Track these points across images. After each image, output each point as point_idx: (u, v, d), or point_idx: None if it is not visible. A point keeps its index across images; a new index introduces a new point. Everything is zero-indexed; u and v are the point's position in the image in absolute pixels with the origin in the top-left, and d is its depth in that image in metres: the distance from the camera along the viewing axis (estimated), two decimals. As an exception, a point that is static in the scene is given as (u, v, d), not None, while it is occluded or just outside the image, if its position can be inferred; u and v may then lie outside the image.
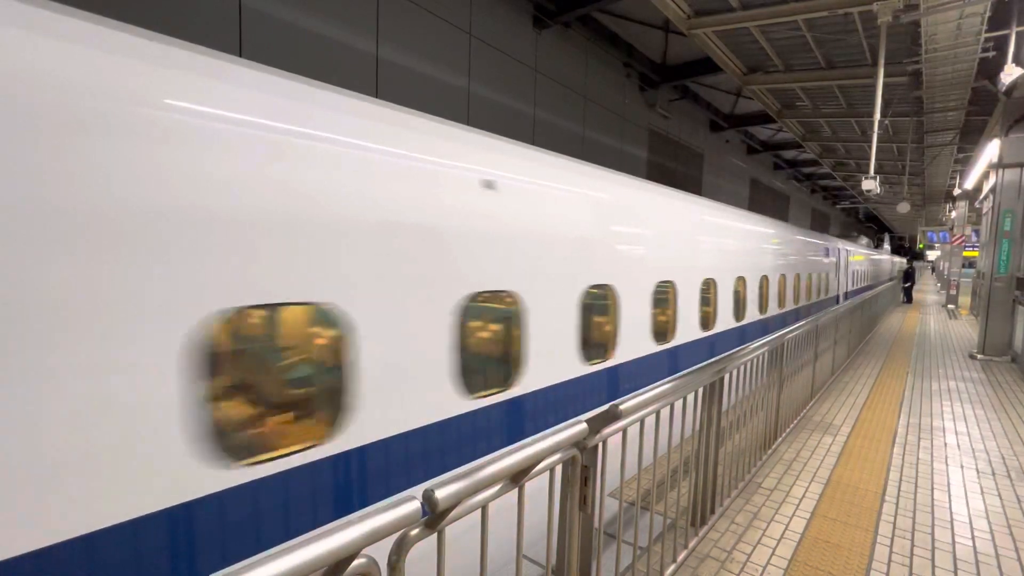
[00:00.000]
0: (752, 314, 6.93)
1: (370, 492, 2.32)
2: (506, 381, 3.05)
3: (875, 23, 6.26)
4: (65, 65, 1.53)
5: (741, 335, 6.48)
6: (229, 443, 1.85)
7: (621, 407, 1.97)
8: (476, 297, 2.82)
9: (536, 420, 3.23)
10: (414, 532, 1.21)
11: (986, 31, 5.99)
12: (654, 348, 4.54)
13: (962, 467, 3.98)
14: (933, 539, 2.94)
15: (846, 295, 13.84)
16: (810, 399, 5.53)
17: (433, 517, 1.28)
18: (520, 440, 2.22)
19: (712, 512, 3.04)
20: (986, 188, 10.54)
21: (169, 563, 1.69)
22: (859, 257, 17.19)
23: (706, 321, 5.56)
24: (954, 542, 2.92)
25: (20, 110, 1.43)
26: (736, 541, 2.86)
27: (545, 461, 1.66)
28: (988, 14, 5.63)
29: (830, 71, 8.94)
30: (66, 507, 1.49)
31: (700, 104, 13.31)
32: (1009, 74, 6.08)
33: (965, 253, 18.91)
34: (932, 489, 3.58)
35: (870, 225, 47.25)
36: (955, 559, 2.75)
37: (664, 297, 4.72)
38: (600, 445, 1.97)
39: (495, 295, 2.96)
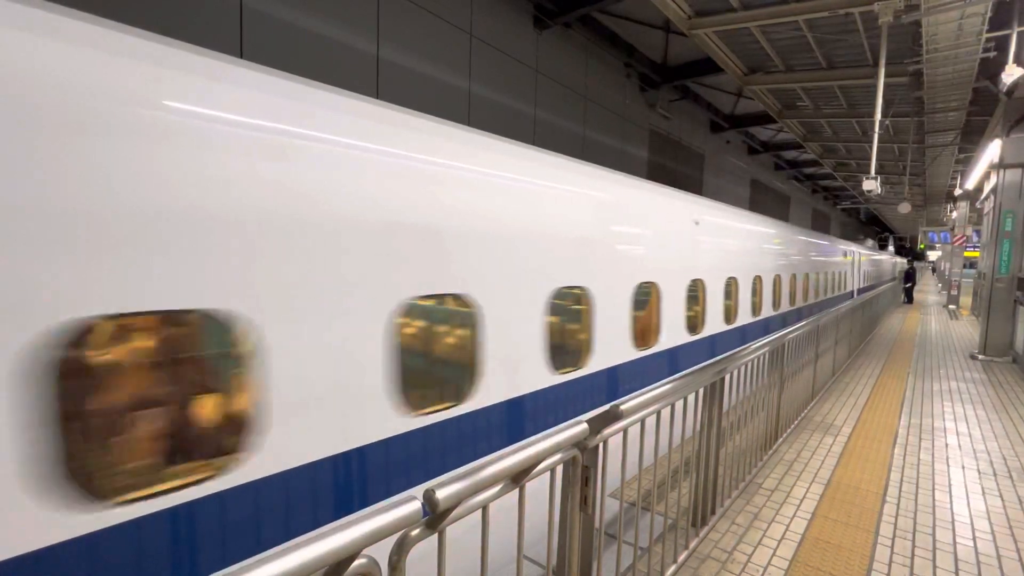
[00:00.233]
0: (799, 302, 9.78)
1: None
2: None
3: (876, 23, 6.26)
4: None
5: (798, 314, 9.38)
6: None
7: (622, 407, 1.97)
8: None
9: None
10: (415, 532, 1.21)
11: (987, 31, 5.99)
12: (753, 319, 7.11)
13: (963, 468, 3.98)
14: (934, 540, 2.94)
15: (859, 290, 16.45)
16: (811, 399, 5.52)
17: (434, 517, 1.28)
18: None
19: (713, 513, 3.03)
20: (987, 188, 10.52)
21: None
22: (869, 258, 20.24)
23: (776, 304, 8.30)
24: (955, 543, 2.91)
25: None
26: (737, 542, 2.85)
27: (546, 461, 1.66)
28: (989, 14, 5.63)
29: (831, 71, 8.95)
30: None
31: (701, 104, 13.31)
32: (1010, 74, 6.07)
33: (966, 253, 18.89)
34: (933, 490, 3.58)
35: (877, 229, 47.52)
36: (956, 560, 2.75)
37: (756, 287, 7.31)
38: (601, 445, 1.97)
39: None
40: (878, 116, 7.48)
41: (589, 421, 1.87)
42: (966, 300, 18.54)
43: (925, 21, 5.73)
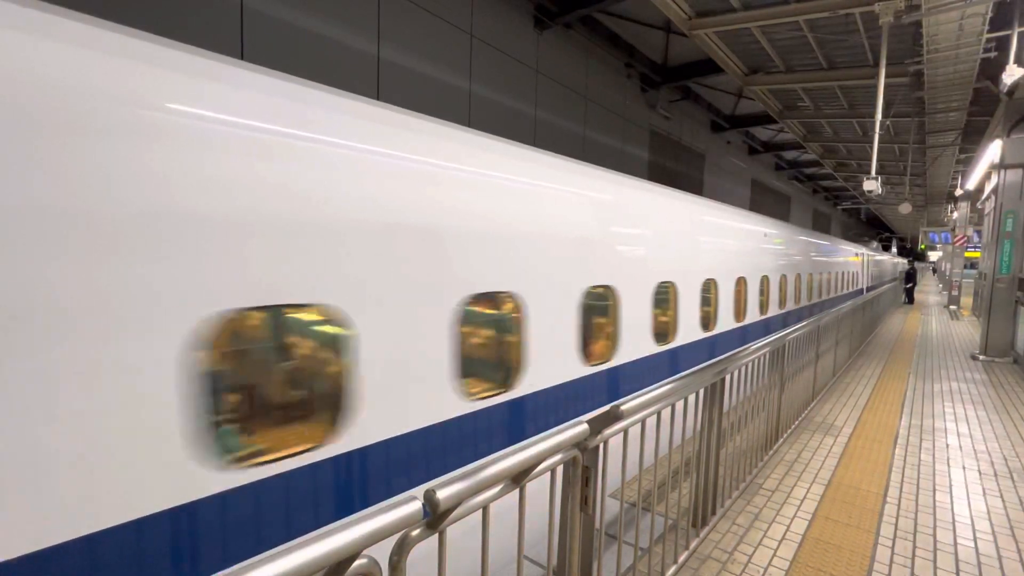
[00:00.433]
0: (825, 295, 11.87)
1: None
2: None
3: (877, 24, 6.26)
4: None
5: (822, 305, 11.23)
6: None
7: (622, 407, 1.97)
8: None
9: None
10: (415, 532, 1.21)
11: (988, 31, 5.99)
12: (795, 306, 9.20)
13: (964, 468, 3.97)
14: (935, 540, 2.93)
15: (868, 288, 18.43)
16: (811, 400, 5.52)
17: (434, 518, 1.28)
18: None
19: (713, 513, 3.03)
20: (988, 189, 10.52)
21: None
22: (875, 259, 22.59)
23: (809, 295, 10.32)
24: (956, 543, 2.91)
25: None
26: (737, 542, 2.85)
27: (546, 462, 1.66)
28: (990, 14, 5.63)
29: (831, 72, 8.94)
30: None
31: (701, 105, 13.31)
32: (1011, 75, 6.06)
33: (967, 254, 18.88)
34: (934, 490, 3.57)
35: (881, 232, 47.92)
36: (957, 560, 2.75)
37: (797, 283, 9.31)
38: (601, 446, 1.97)
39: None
40: (879, 116, 7.47)
41: (589, 422, 1.87)
42: (967, 300, 18.53)
43: (926, 21, 5.73)
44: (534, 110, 8.65)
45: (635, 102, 11.27)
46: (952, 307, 16.99)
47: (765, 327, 7.51)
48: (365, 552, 1.07)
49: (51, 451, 1.48)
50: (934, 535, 2.99)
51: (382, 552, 1.14)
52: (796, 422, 4.88)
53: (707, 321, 5.66)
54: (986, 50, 6.56)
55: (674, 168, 13.14)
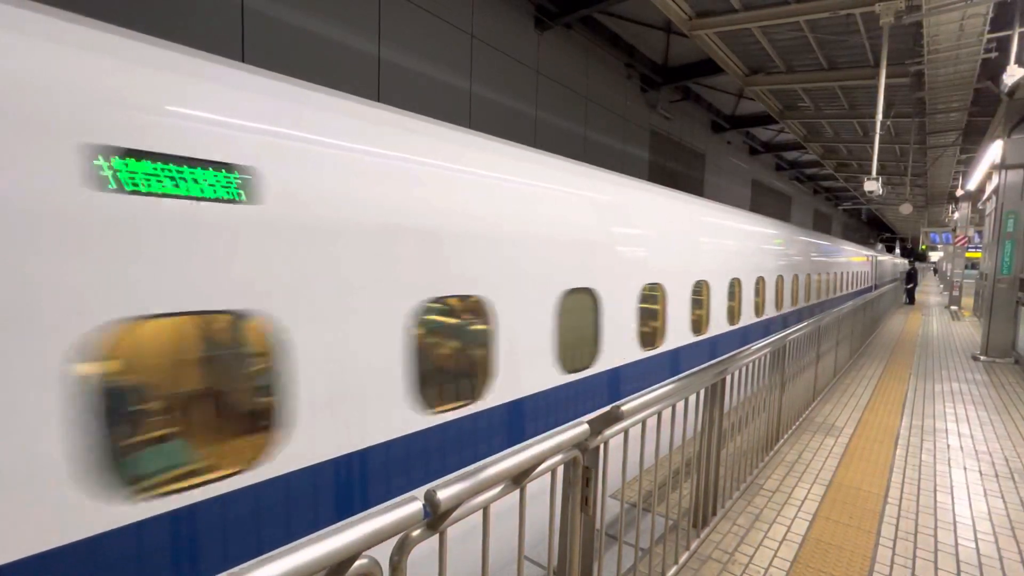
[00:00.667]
0: (847, 290, 14.74)
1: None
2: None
3: (877, 24, 6.25)
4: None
5: (845, 298, 13.64)
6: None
7: (623, 408, 1.97)
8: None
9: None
10: (416, 533, 1.21)
11: (988, 32, 5.98)
12: (827, 297, 11.89)
13: (965, 469, 3.97)
14: (936, 541, 2.93)
15: (876, 285, 21.10)
16: (812, 400, 5.52)
17: (435, 518, 1.28)
18: None
19: (714, 513, 3.03)
20: (988, 189, 10.51)
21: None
22: (881, 259, 25.90)
23: (835, 291, 12.95)
24: (957, 544, 2.91)
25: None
26: (738, 543, 2.85)
27: (547, 462, 1.66)
28: (990, 15, 5.62)
29: (832, 72, 8.93)
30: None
31: (702, 105, 13.31)
32: (1011, 75, 6.06)
33: (968, 254, 18.85)
34: (935, 491, 3.57)
35: (880, 233, 48.18)
36: (958, 561, 2.74)
37: (828, 280, 12.08)
38: (602, 446, 1.97)
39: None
40: (879, 117, 7.46)
41: (590, 422, 1.87)
42: (968, 301, 18.50)
43: (926, 22, 5.73)
44: (534, 110, 8.65)
45: (635, 102, 11.27)
46: (953, 307, 16.98)
47: (810, 311, 10.33)
48: (366, 552, 1.07)
49: None
50: (935, 536, 2.99)
51: (383, 553, 1.14)
52: (797, 422, 4.87)
53: (772, 305, 8.03)
54: (987, 50, 6.55)
55: (675, 168, 13.14)
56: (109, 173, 1.59)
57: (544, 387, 3.33)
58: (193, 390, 1.87)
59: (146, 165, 1.66)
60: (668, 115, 12.21)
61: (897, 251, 49.16)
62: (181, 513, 1.74)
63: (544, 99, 8.79)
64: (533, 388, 3.24)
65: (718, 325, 5.98)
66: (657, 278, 4.57)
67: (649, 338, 4.50)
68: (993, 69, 7.28)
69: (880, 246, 35.93)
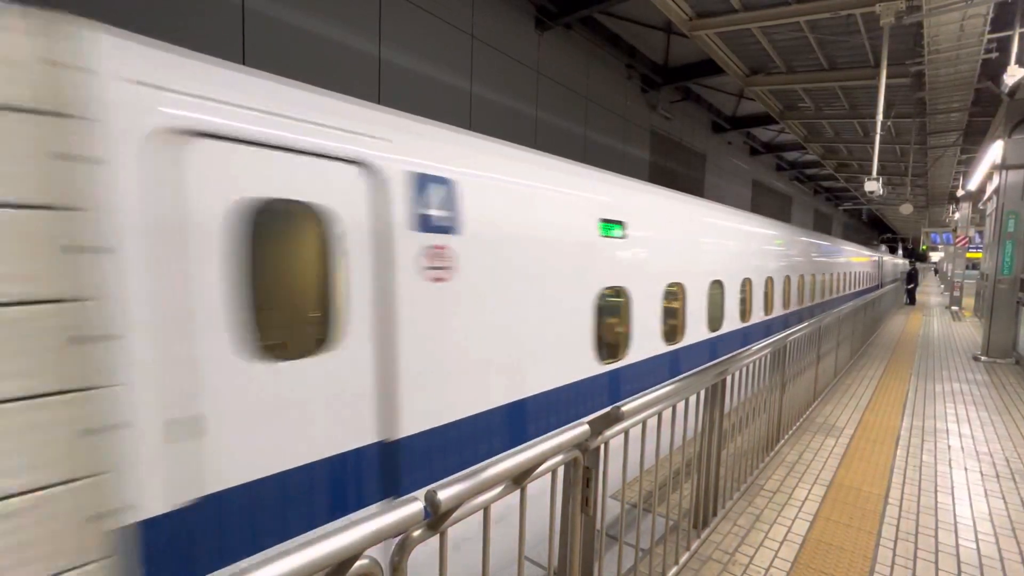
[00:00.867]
0: (862, 286, 17.51)
1: None
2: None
3: (878, 24, 6.25)
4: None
5: (862, 292, 16.15)
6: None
7: (623, 408, 1.97)
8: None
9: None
10: (416, 533, 1.21)
11: (989, 32, 5.98)
12: (848, 291, 14.81)
13: (966, 469, 3.97)
14: (936, 542, 2.93)
15: (882, 284, 23.08)
16: (813, 401, 5.52)
17: (435, 518, 1.28)
18: None
19: (714, 514, 3.03)
20: (989, 189, 10.51)
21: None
22: (886, 260, 28.36)
23: (854, 286, 15.78)
24: (958, 545, 2.91)
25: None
26: (738, 543, 2.85)
27: (547, 463, 1.66)
28: (991, 15, 5.62)
29: (832, 72, 8.93)
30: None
31: (702, 105, 13.31)
32: (1012, 75, 6.06)
33: (969, 255, 18.84)
34: (935, 491, 3.57)
35: (882, 234, 48.47)
36: (959, 562, 2.74)
37: (847, 277, 15.03)
38: (602, 447, 1.97)
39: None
40: (879, 117, 7.46)
41: (591, 422, 1.87)
42: (968, 301, 18.48)
43: (927, 22, 5.73)
44: (535, 111, 8.66)
45: (636, 103, 11.27)
46: (954, 308, 16.96)
47: (834, 303, 12.06)
48: (366, 552, 1.07)
49: None
50: (936, 536, 2.99)
51: (383, 553, 1.14)
52: (797, 423, 4.87)
53: (810, 296, 10.39)
54: (987, 51, 6.55)
55: (675, 169, 13.13)
56: (601, 229, 3.87)
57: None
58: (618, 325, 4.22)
59: (606, 226, 3.93)
60: (668, 115, 12.21)
61: (900, 252, 50.06)
62: (616, 369, 4.08)
63: (544, 99, 8.79)
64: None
65: (781, 307, 8.49)
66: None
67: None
68: (994, 69, 7.28)
69: (883, 247, 37.54)
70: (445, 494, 1.25)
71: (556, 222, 3.42)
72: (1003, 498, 3.50)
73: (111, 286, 1.52)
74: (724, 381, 2.89)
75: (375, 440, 2.26)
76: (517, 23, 8.06)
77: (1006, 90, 6.67)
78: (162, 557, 1.65)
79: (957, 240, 16.92)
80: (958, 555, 2.81)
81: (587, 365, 3.73)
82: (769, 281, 7.83)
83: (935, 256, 34.62)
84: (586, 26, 8.90)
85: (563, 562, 1.93)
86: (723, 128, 14.61)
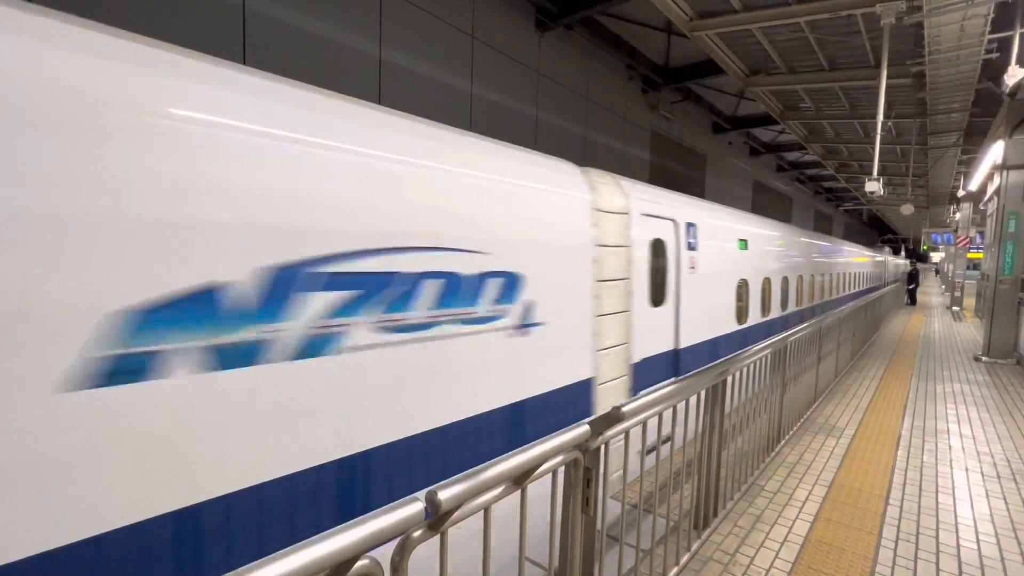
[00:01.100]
0: (873, 283, 21.11)
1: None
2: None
3: (878, 25, 6.25)
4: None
5: (873, 288, 18.55)
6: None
7: (624, 409, 1.97)
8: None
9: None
10: (416, 534, 1.21)
11: (989, 32, 5.98)
12: (865, 287, 18.65)
13: (967, 470, 3.96)
14: (937, 543, 2.93)
15: (887, 282, 24.93)
16: (814, 401, 5.51)
17: (436, 519, 1.28)
18: None
19: (715, 515, 3.03)
20: (990, 190, 10.50)
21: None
22: (891, 260, 32.16)
23: (868, 282, 19.89)
24: (959, 546, 2.90)
25: None
26: (739, 544, 2.85)
27: (548, 463, 1.66)
28: (991, 15, 5.62)
29: (833, 73, 8.93)
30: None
31: (703, 106, 13.31)
32: (1013, 76, 6.05)
33: (970, 255, 18.82)
34: (936, 492, 3.56)
35: (883, 234, 48.77)
36: (960, 563, 2.74)
37: (864, 274, 19.14)
38: (603, 447, 1.97)
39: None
40: (880, 117, 7.45)
41: (591, 423, 1.87)
42: (969, 302, 18.47)
43: (927, 23, 5.73)
44: (535, 111, 8.66)
45: (636, 103, 11.27)
46: (955, 308, 16.94)
47: (864, 293, 14.95)
48: (367, 553, 1.07)
49: None
50: (937, 537, 2.98)
51: (384, 554, 1.14)
52: (798, 423, 4.87)
53: (840, 287, 13.82)
54: (988, 51, 6.54)
55: (676, 169, 13.13)
56: (740, 245, 6.89)
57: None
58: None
59: (741, 243, 6.77)
60: (669, 116, 12.21)
61: (903, 253, 51.43)
62: (747, 329, 6.91)
63: (545, 100, 8.79)
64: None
65: (820, 297, 11.26)
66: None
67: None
68: (994, 70, 7.27)
69: (887, 248, 39.38)
70: (445, 494, 1.25)
71: (733, 245, 6.55)
72: (1004, 499, 3.49)
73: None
74: (724, 382, 2.89)
75: (671, 348, 4.95)
76: (517, 24, 8.07)
77: (1007, 90, 6.66)
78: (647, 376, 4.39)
79: (958, 240, 16.91)
80: (959, 556, 2.80)
81: (733, 323, 6.54)
82: (818, 276, 11.22)
83: (936, 256, 34.70)
84: (586, 27, 8.90)
85: (563, 563, 1.93)
86: (724, 128, 14.61)
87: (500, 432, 2.88)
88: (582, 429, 1.79)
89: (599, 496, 1.97)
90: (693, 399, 2.59)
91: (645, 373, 4.38)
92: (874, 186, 8.11)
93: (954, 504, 3.39)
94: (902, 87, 8.80)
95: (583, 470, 1.89)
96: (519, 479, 1.54)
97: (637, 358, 4.31)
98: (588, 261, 3.66)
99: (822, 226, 28.94)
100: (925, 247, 28.08)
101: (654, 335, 4.59)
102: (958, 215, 17.30)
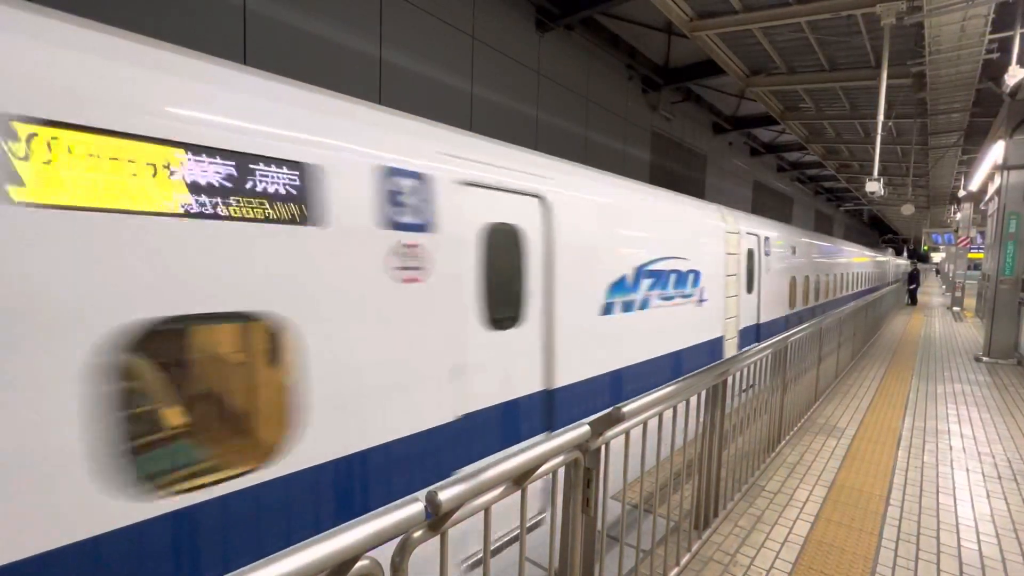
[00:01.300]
0: (880, 281, 23.54)
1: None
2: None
3: (878, 25, 6.24)
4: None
5: (881, 285, 22.01)
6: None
7: (624, 409, 1.97)
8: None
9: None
10: (417, 534, 1.21)
11: (990, 32, 5.97)
12: (874, 284, 21.42)
13: (967, 470, 3.96)
14: (938, 543, 2.92)
15: (889, 282, 26.31)
16: (814, 402, 5.51)
17: (436, 519, 1.28)
18: None
19: (715, 515, 3.03)
20: (991, 190, 10.49)
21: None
22: (895, 261, 34.71)
23: (877, 280, 22.66)
24: (959, 546, 2.90)
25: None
26: (739, 544, 2.84)
27: (548, 463, 1.66)
28: (992, 16, 5.61)
29: (833, 73, 8.92)
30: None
31: (703, 106, 13.30)
32: (1013, 76, 6.05)
33: (970, 255, 18.81)
34: (937, 493, 3.56)
35: (883, 234, 48.93)
36: (960, 563, 2.74)
37: (875, 273, 22.69)
38: (603, 447, 1.97)
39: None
40: (880, 118, 7.45)
41: (591, 423, 1.87)
42: (970, 302, 18.46)
43: (928, 23, 5.72)
44: (536, 112, 8.66)
45: (637, 104, 11.27)
46: (955, 308, 16.93)
47: (872, 290, 16.34)
48: (367, 554, 1.07)
49: None
50: (937, 537, 2.98)
51: (384, 554, 1.14)
52: (799, 424, 4.86)
53: (865, 282, 17.79)
54: (988, 51, 6.54)
55: (676, 170, 13.12)
56: (790, 252, 8.87)
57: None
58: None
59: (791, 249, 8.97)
60: (669, 116, 12.21)
61: (905, 254, 52.81)
62: (793, 313, 8.94)
63: (545, 100, 8.79)
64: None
65: (845, 290, 13.50)
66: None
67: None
68: (995, 70, 7.27)
69: (890, 249, 42.07)
70: (446, 495, 1.25)
71: (788, 252, 8.44)
72: (1005, 499, 3.49)
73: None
74: (725, 382, 2.89)
75: (756, 322, 7.24)
76: (518, 24, 8.07)
77: (1007, 90, 6.65)
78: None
79: (958, 241, 16.90)
80: (960, 556, 2.80)
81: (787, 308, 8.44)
82: (838, 274, 13.32)
83: (936, 256, 34.82)
84: (587, 27, 8.90)
85: (564, 563, 1.92)
86: (724, 129, 14.60)
87: (698, 356, 5.28)
88: (582, 429, 1.79)
89: (599, 496, 1.97)
90: (694, 399, 2.59)
91: (745, 337, 6.59)
92: (875, 186, 8.11)
93: (955, 504, 3.39)
94: (902, 87, 8.80)
95: (583, 470, 1.89)
96: (519, 479, 1.54)
97: (742, 326, 6.59)
98: (722, 263, 5.92)
99: (822, 226, 28.94)
100: (925, 247, 28.28)
101: (748, 312, 6.84)
102: (959, 215, 17.30)
